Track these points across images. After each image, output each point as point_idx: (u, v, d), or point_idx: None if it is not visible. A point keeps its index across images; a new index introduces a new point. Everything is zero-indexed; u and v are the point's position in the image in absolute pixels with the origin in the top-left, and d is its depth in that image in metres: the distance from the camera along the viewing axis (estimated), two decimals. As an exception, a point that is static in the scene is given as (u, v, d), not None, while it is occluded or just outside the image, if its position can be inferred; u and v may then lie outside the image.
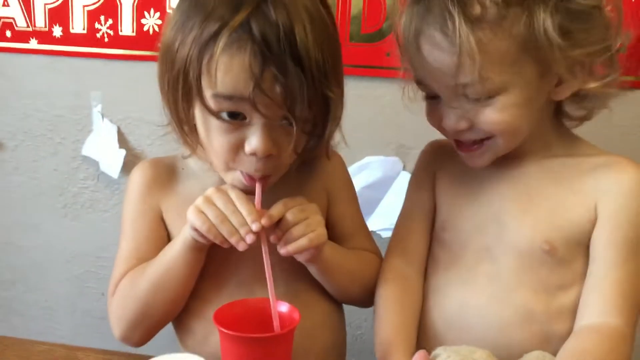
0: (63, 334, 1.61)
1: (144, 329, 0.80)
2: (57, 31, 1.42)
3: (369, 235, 0.94)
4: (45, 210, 1.55)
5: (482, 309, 0.78)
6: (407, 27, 0.75)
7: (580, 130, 0.83)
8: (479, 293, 0.79)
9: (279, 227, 0.75)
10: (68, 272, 1.58)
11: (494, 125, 0.74)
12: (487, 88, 0.71)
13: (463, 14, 0.68)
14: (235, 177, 0.75)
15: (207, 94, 0.69)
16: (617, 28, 0.74)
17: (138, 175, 0.86)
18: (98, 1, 1.39)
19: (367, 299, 0.87)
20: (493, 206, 0.80)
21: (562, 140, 0.81)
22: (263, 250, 0.71)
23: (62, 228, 1.55)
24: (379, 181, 1.34)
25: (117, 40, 1.40)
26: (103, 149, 1.46)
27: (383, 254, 0.91)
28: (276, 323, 0.71)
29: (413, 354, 0.71)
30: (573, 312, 0.75)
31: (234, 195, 0.73)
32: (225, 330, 0.66)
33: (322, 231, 0.76)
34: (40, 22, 1.43)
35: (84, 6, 1.40)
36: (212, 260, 0.80)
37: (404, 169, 1.33)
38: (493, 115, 0.73)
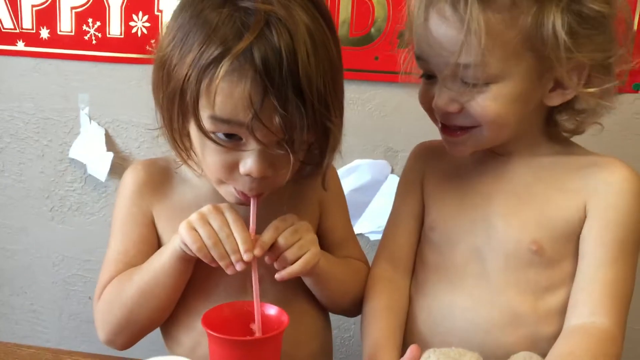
0: (49, 338, 1.60)
1: (128, 334, 0.80)
2: (44, 33, 1.41)
3: (357, 243, 0.95)
4: (31, 213, 1.54)
5: (470, 310, 0.78)
6: None
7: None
8: (467, 294, 0.79)
9: (272, 250, 0.74)
10: (55, 276, 1.57)
11: (483, 113, 0.73)
12: (485, 73, 0.71)
13: None
14: (229, 191, 0.75)
15: (204, 114, 0.67)
16: (622, 42, 0.73)
17: (130, 177, 0.84)
18: (86, 3, 1.38)
19: (355, 308, 0.88)
20: (481, 207, 0.80)
21: (551, 142, 0.81)
22: (253, 278, 0.71)
23: (48, 231, 1.54)
24: (368, 184, 1.34)
25: (105, 43, 1.39)
26: (90, 152, 1.45)
27: (372, 256, 0.92)
28: (258, 328, 0.71)
29: (401, 356, 0.71)
30: (561, 314, 0.75)
31: (231, 218, 0.72)
32: (213, 333, 0.66)
33: (315, 250, 0.76)
34: (27, 23, 1.42)
35: (72, 8, 1.39)
36: (200, 271, 0.79)
37: (392, 172, 1.34)
38: (485, 103, 0.72)
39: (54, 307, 1.59)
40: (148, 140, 1.44)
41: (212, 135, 0.68)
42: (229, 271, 0.71)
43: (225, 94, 0.65)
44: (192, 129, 0.71)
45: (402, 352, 0.80)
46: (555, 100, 0.76)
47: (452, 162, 0.82)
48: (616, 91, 0.76)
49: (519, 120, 0.75)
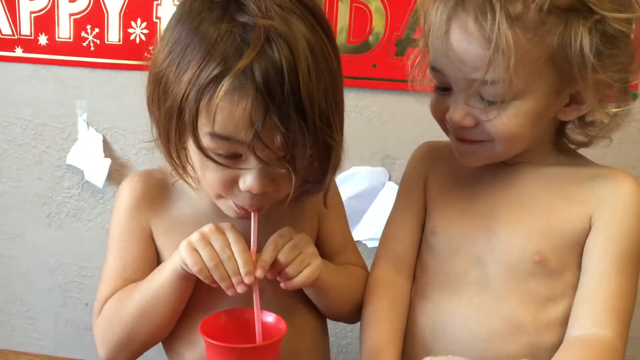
0: (45, 345, 1.59)
1: (129, 351, 0.79)
2: (43, 39, 1.42)
3: (356, 249, 0.94)
4: (29, 219, 1.54)
5: (470, 319, 0.78)
6: (442, 6, 0.72)
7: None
8: (467, 302, 0.79)
9: (273, 267, 0.74)
10: (51, 282, 1.56)
11: (499, 130, 0.72)
12: (506, 91, 0.69)
13: (504, 9, 0.66)
14: (228, 205, 0.74)
15: (203, 132, 0.66)
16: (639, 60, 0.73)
17: (127, 190, 0.82)
18: (84, 10, 1.38)
19: (356, 315, 0.87)
20: (485, 214, 0.80)
21: (559, 153, 0.80)
22: (254, 295, 0.71)
23: (45, 237, 1.54)
24: (365, 192, 1.34)
25: (103, 49, 1.40)
26: (88, 158, 1.45)
27: (370, 263, 0.91)
28: (259, 337, 0.70)
29: None
30: (562, 324, 0.75)
31: (232, 238, 0.71)
32: (211, 341, 0.66)
33: (316, 263, 0.76)
34: (26, 30, 1.42)
35: (70, 14, 1.39)
36: (203, 286, 0.77)
37: (390, 179, 1.34)
38: (502, 120, 0.71)
39: (51, 314, 1.58)
40: (146, 146, 1.44)
41: (211, 154, 0.67)
42: (229, 292, 0.70)
43: (225, 113, 0.63)
44: (191, 146, 0.69)
45: (404, 354, 0.80)
46: (569, 115, 0.75)
47: (456, 166, 0.81)
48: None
49: (532, 135, 0.74)
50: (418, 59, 0.82)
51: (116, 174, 1.44)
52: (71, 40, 1.41)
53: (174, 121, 0.67)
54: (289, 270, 0.74)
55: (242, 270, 0.69)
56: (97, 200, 1.49)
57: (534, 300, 0.76)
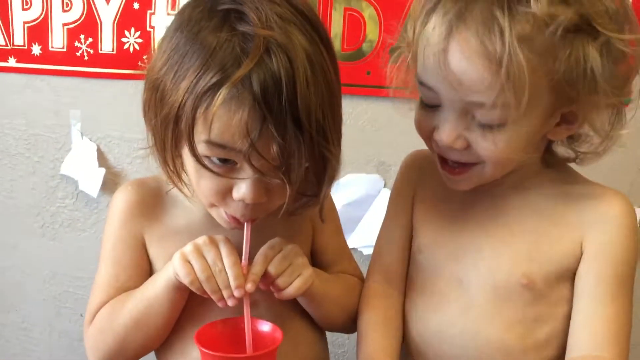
0: (40, 356, 1.58)
1: None
2: (36, 49, 1.41)
3: (352, 259, 0.94)
4: (22, 229, 1.53)
5: (457, 338, 0.77)
6: (440, 18, 0.65)
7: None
8: (453, 323, 0.77)
9: (264, 279, 0.74)
10: (45, 293, 1.55)
11: (492, 153, 0.69)
12: (506, 115, 0.65)
13: (513, 27, 0.61)
14: (220, 214, 0.74)
15: (199, 139, 0.66)
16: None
17: (120, 199, 0.82)
18: (78, 19, 1.38)
19: (351, 325, 0.87)
20: (471, 236, 0.78)
21: (549, 170, 0.78)
22: (245, 310, 0.71)
23: (39, 248, 1.53)
24: (360, 199, 1.34)
25: (97, 59, 1.39)
26: (82, 168, 1.45)
27: (365, 270, 0.91)
28: (249, 346, 0.70)
29: None
30: (549, 345, 0.75)
31: (225, 251, 0.71)
32: (207, 351, 0.66)
33: (307, 273, 0.76)
34: (19, 40, 1.42)
35: (64, 24, 1.39)
36: (195, 296, 0.77)
37: (385, 186, 1.34)
38: (496, 144, 0.68)
39: (45, 325, 1.57)
40: (140, 156, 1.43)
41: (206, 162, 0.66)
42: (221, 304, 0.71)
43: (222, 122, 0.63)
44: (186, 154, 0.69)
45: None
46: (560, 135, 0.73)
47: (444, 183, 0.79)
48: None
49: (523, 155, 0.71)
50: (402, 67, 0.77)
51: (110, 184, 1.44)
52: (65, 50, 1.40)
53: (170, 128, 0.67)
54: (280, 281, 0.74)
55: (232, 284, 0.70)
56: (92, 210, 1.48)
57: (520, 322, 0.75)
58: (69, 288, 1.54)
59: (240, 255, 0.72)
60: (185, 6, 0.70)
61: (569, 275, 0.74)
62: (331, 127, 0.67)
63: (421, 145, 0.90)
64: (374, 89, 1.29)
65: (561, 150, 0.78)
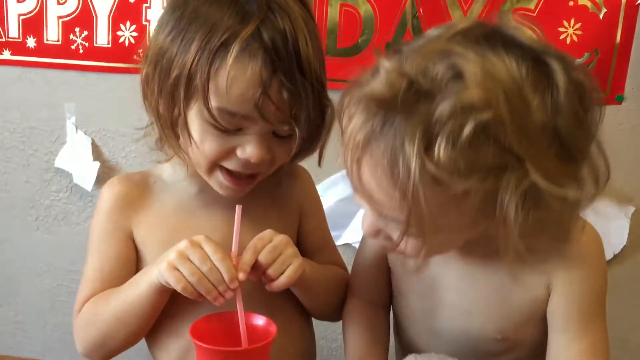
0: (34, 349, 1.58)
1: (105, 352, 0.81)
2: (31, 42, 1.41)
3: (335, 249, 0.95)
4: (16, 223, 1.53)
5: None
6: (357, 128, 0.59)
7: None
8: None
9: (254, 269, 0.74)
10: (39, 286, 1.56)
11: (415, 255, 0.65)
12: (414, 231, 0.60)
13: (420, 159, 0.54)
14: (218, 179, 0.76)
15: (213, 95, 0.69)
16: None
17: (107, 193, 0.83)
18: (73, 12, 1.38)
19: (338, 314, 0.88)
20: (443, 295, 0.76)
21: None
22: (237, 302, 0.71)
23: (33, 241, 1.53)
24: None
25: (92, 52, 1.39)
26: (77, 161, 1.45)
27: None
28: (244, 339, 0.71)
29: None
30: None
31: (209, 249, 0.71)
32: (201, 344, 0.66)
33: (297, 262, 0.76)
34: (14, 32, 1.41)
35: (59, 17, 1.39)
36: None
37: (380, 182, 1.34)
38: (415, 247, 0.64)
39: (39, 318, 1.57)
40: (135, 149, 1.44)
41: (216, 117, 0.70)
42: (217, 303, 0.71)
43: (234, 77, 0.68)
44: (193, 114, 0.72)
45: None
46: (498, 229, 0.61)
47: None
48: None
49: (463, 241, 0.67)
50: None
51: (105, 177, 1.44)
52: (60, 43, 1.40)
53: (181, 89, 0.70)
54: (270, 271, 0.74)
55: (225, 277, 0.70)
56: (86, 203, 1.48)
57: (495, 356, 0.75)
58: (63, 281, 1.54)
59: (229, 246, 0.73)
60: None
61: (541, 315, 0.73)
62: (324, 79, 0.74)
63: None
64: (369, 84, 1.29)
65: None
